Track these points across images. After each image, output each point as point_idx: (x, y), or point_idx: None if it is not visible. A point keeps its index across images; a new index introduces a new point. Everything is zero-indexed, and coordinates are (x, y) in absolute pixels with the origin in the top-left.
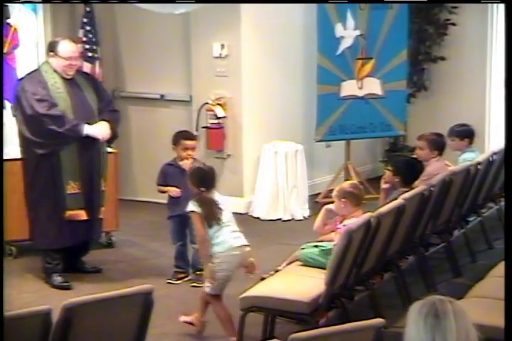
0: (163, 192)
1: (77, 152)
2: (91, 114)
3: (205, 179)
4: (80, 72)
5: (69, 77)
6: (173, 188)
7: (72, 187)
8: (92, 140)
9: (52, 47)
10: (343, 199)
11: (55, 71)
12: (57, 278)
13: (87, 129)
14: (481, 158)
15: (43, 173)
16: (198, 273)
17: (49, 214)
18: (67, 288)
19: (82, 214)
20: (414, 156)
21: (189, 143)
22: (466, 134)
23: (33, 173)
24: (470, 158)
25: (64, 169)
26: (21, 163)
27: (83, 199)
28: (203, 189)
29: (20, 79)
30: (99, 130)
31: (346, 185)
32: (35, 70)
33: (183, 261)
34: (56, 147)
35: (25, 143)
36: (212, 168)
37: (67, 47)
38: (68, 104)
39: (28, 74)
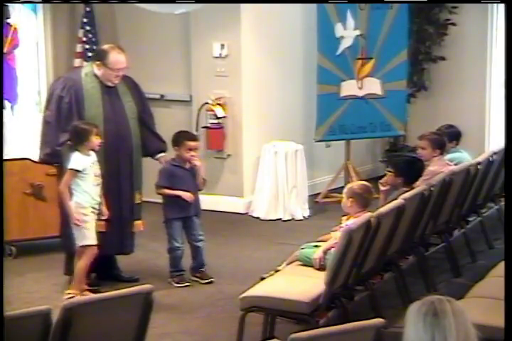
0: (169, 195)
1: (104, 158)
2: (122, 123)
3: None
4: (124, 78)
5: (111, 85)
6: (188, 194)
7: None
8: (122, 146)
9: (100, 57)
10: (350, 199)
11: (96, 76)
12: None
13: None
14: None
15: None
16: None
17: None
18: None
19: (101, 226)
20: (414, 155)
21: (193, 144)
22: (454, 136)
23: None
24: (455, 158)
25: None
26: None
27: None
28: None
29: (58, 78)
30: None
31: (356, 185)
32: (75, 72)
33: (181, 263)
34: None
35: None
36: (86, 129)
37: (117, 59)
38: (100, 111)
39: (63, 77)
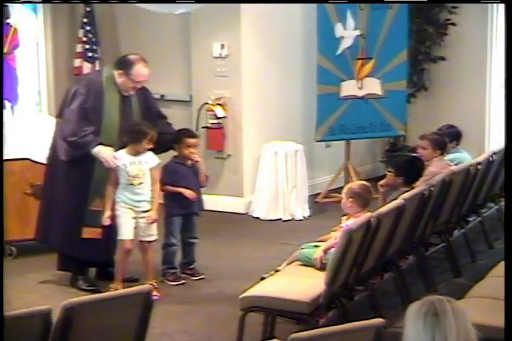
0: (171, 191)
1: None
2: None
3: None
4: None
5: (126, 94)
6: (189, 191)
7: (96, 204)
8: None
9: (123, 66)
10: (350, 199)
11: (115, 83)
12: (85, 282)
13: (97, 149)
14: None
15: (73, 182)
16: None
17: (71, 224)
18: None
19: (98, 233)
20: (414, 154)
21: (192, 141)
22: (455, 136)
23: (63, 179)
24: (455, 158)
25: (93, 184)
26: (46, 166)
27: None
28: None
29: (76, 81)
30: (107, 154)
31: (356, 185)
32: (96, 75)
33: (175, 260)
34: (69, 156)
35: (55, 145)
36: (143, 132)
37: (141, 72)
38: (117, 120)
39: (84, 78)
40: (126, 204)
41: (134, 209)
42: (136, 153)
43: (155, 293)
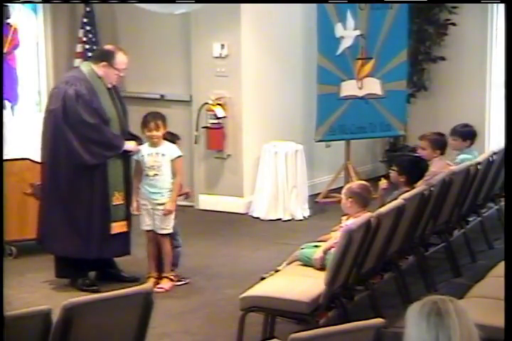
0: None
1: (122, 161)
2: (125, 123)
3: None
4: None
5: (110, 86)
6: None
7: (116, 198)
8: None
9: (106, 58)
10: (349, 199)
11: (99, 77)
12: (85, 282)
13: (126, 145)
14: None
15: (90, 184)
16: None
17: (92, 226)
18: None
19: (124, 226)
20: (418, 155)
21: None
22: (469, 135)
23: (78, 184)
24: (467, 159)
25: (110, 179)
26: (42, 169)
27: (125, 210)
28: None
29: (65, 83)
30: (133, 144)
31: (355, 185)
32: (80, 74)
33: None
34: (104, 158)
35: (68, 150)
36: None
37: (123, 59)
38: (114, 113)
39: (74, 79)
40: (144, 195)
41: (149, 200)
42: (153, 144)
43: (166, 285)
